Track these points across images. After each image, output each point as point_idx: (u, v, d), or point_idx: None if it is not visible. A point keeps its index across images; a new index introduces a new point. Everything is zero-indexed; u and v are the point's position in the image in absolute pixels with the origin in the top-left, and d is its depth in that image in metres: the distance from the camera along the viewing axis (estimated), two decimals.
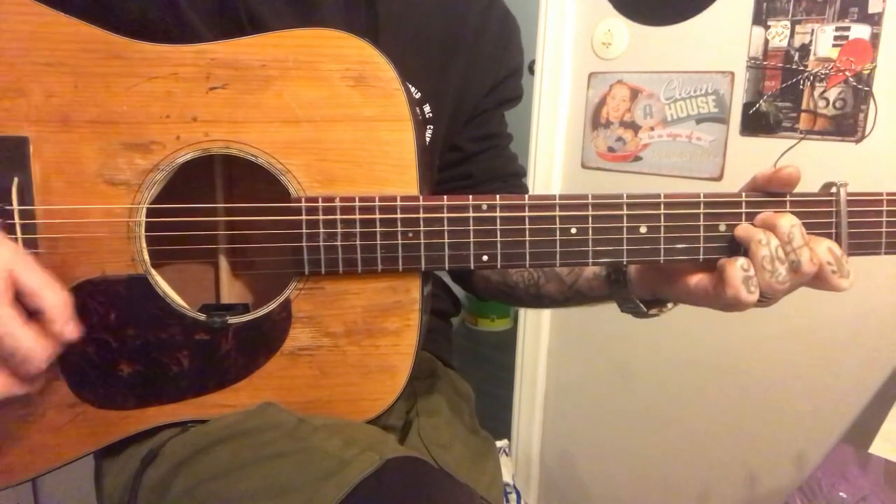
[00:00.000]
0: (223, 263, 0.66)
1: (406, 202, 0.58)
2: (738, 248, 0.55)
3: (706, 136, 1.41)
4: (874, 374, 1.27)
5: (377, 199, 0.58)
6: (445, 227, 0.58)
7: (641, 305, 0.64)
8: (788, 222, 0.52)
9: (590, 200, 0.57)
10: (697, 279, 0.57)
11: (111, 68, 0.56)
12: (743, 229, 0.55)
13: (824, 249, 0.52)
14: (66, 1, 0.56)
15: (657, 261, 0.57)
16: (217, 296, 0.67)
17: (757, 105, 1.34)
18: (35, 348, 0.49)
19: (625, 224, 0.57)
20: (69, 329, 0.52)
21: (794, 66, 1.28)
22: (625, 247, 0.57)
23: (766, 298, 0.53)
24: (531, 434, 1.83)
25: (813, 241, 0.53)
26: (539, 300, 0.77)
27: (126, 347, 0.59)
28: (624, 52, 1.51)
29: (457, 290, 0.92)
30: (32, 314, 0.50)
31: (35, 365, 0.50)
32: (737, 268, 0.52)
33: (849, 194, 0.55)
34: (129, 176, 0.58)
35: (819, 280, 0.53)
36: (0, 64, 0.55)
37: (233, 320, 0.60)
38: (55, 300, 0.50)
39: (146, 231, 0.58)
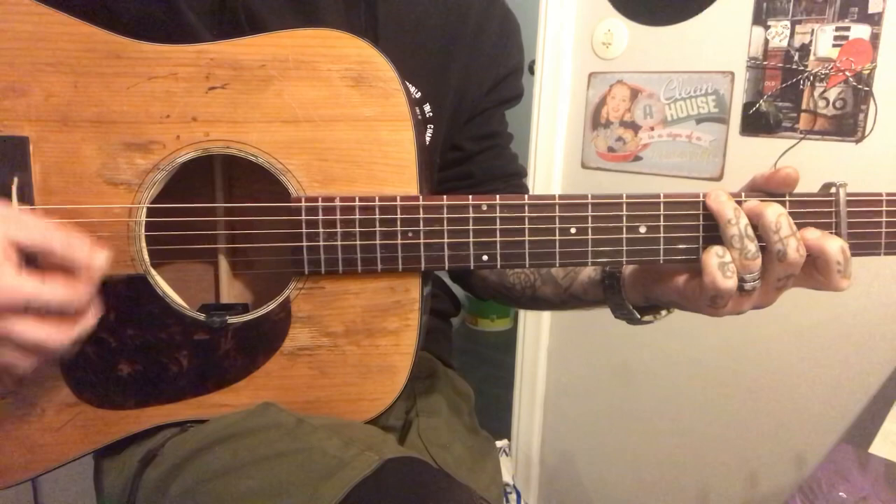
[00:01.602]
0: (223, 263, 0.66)
1: (406, 202, 0.58)
2: None
3: (706, 136, 1.41)
4: (874, 374, 1.27)
5: (377, 198, 0.57)
6: (445, 227, 0.58)
7: (635, 312, 0.64)
8: (775, 211, 0.52)
9: (589, 200, 0.57)
10: (686, 278, 0.57)
11: (111, 68, 0.56)
12: (714, 201, 0.55)
13: (837, 248, 0.52)
14: (66, 1, 0.56)
15: (657, 261, 0.57)
16: (217, 296, 0.67)
17: (757, 105, 1.34)
18: (67, 297, 0.47)
19: (624, 224, 0.57)
20: (96, 257, 0.49)
21: (794, 66, 1.28)
22: (624, 247, 0.57)
23: (747, 285, 0.53)
24: (531, 434, 1.83)
25: (825, 237, 0.53)
26: (536, 302, 0.77)
27: (125, 347, 0.59)
28: (624, 52, 1.51)
29: (457, 290, 0.92)
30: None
31: (76, 307, 0.48)
32: (712, 254, 0.53)
33: (848, 194, 0.55)
34: (129, 176, 0.58)
35: (823, 277, 0.53)
36: (0, 64, 0.55)
37: (232, 320, 0.60)
38: (64, 240, 0.48)
39: (146, 231, 0.58)
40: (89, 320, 0.51)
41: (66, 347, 0.49)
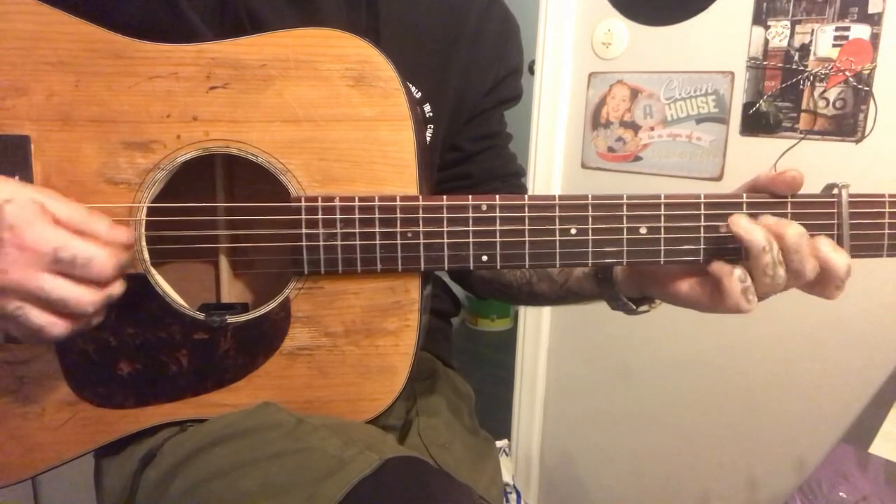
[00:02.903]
0: (223, 263, 0.66)
1: (405, 202, 0.58)
2: (738, 249, 0.55)
3: (706, 136, 1.41)
4: (874, 374, 1.27)
5: (377, 198, 0.57)
6: (445, 228, 0.58)
7: (630, 304, 0.65)
8: (796, 232, 0.52)
9: (590, 201, 0.57)
10: (689, 285, 0.57)
11: (112, 67, 0.56)
12: (744, 230, 0.54)
13: (844, 268, 0.52)
14: (67, 0, 0.56)
15: (657, 262, 0.57)
16: (217, 295, 0.67)
17: (757, 105, 1.34)
18: (95, 251, 0.50)
19: (625, 225, 0.57)
20: (117, 233, 0.52)
21: (794, 66, 1.28)
22: (625, 248, 0.57)
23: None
24: (531, 434, 1.83)
25: (834, 251, 0.53)
26: (534, 298, 0.77)
27: (125, 346, 0.59)
28: (624, 52, 1.51)
29: (457, 290, 0.92)
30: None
31: (101, 268, 0.50)
32: (734, 280, 0.53)
33: (851, 195, 0.55)
34: (129, 175, 0.58)
35: (820, 289, 0.54)
36: (1, 63, 0.55)
37: (232, 320, 0.60)
38: (87, 214, 0.51)
39: (146, 230, 0.58)
40: (116, 288, 0.53)
41: (92, 312, 0.51)
